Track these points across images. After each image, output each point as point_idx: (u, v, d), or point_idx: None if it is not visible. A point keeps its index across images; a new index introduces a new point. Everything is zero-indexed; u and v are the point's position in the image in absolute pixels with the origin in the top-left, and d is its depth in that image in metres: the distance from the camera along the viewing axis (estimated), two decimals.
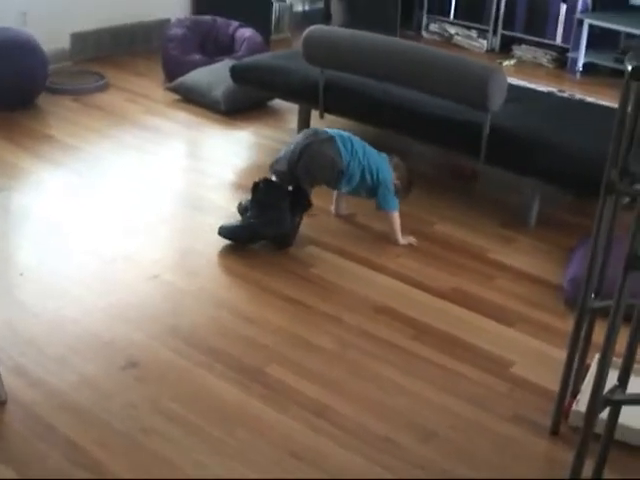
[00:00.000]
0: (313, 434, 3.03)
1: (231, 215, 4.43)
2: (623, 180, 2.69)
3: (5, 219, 4.48)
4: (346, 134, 4.42)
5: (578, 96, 7.04)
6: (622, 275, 2.54)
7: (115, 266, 4.04)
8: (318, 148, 4.27)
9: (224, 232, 4.26)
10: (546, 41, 8.30)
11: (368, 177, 4.38)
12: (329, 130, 4.41)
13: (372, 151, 4.44)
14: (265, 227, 4.22)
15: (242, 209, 4.36)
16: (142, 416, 3.05)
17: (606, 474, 2.77)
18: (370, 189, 4.43)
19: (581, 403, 3.09)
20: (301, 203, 4.31)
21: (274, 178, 4.31)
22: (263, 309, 3.79)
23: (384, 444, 3.01)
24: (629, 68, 2.54)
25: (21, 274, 3.92)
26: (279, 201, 4.23)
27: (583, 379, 3.27)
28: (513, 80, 6.37)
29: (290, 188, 4.30)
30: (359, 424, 3.09)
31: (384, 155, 4.49)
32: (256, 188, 4.27)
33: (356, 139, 4.42)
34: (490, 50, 8.64)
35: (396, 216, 4.43)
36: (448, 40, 8.89)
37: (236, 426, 3.03)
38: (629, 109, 2.64)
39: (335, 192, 4.62)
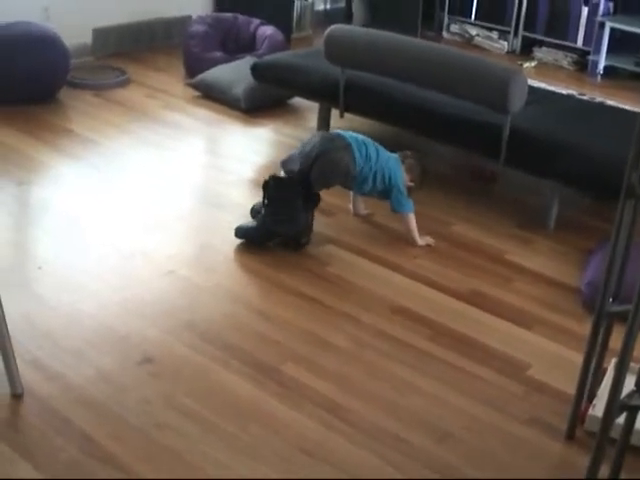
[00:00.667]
0: (326, 432, 3.02)
1: (248, 212, 4.42)
2: None
3: (24, 212, 4.49)
4: (360, 137, 4.40)
5: (598, 99, 7.02)
6: None
7: (132, 261, 4.05)
8: (335, 156, 4.25)
9: (240, 233, 4.26)
10: (567, 43, 8.27)
11: (380, 181, 4.37)
12: (345, 134, 4.38)
13: (385, 155, 4.42)
14: (278, 225, 4.21)
15: (255, 213, 4.35)
16: (156, 411, 3.05)
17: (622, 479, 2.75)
18: (383, 192, 4.42)
19: (597, 408, 3.08)
20: (312, 200, 4.30)
21: (283, 175, 4.30)
22: (279, 306, 3.79)
23: (398, 443, 3.00)
24: None
25: (39, 267, 3.93)
26: (291, 198, 4.22)
27: (600, 383, 3.25)
28: (533, 82, 6.37)
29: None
30: (373, 423, 3.09)
31: (395, 156, 4.48)
32: (266, 186, 4.25)
33: (370, 142, 4.40)
34: (511, 52, 8.61)
35: (412, 217, 4.43)
36: (469, 41, 8.87)
37: (250, 422, 3.04)
38: None
39: (352, 192, 4.61)
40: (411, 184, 4.46)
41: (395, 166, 4.42)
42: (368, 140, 4.41)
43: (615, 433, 2.79)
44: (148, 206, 4.61)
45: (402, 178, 4.42)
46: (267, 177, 4.27)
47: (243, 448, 2.92)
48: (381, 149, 4.43)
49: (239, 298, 3.83)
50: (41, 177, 4.84)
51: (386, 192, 4.42)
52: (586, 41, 8.11)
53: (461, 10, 8.93)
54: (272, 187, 4.23)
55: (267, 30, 6.99)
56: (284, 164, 4.30)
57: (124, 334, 3.48)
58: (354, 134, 4.42)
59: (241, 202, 4.68)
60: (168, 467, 2.81)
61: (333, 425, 3.06)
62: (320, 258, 4.22)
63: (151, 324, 3.57)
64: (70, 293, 3.74)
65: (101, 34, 7.01)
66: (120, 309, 3.66)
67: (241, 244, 4.24)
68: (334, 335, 3.61)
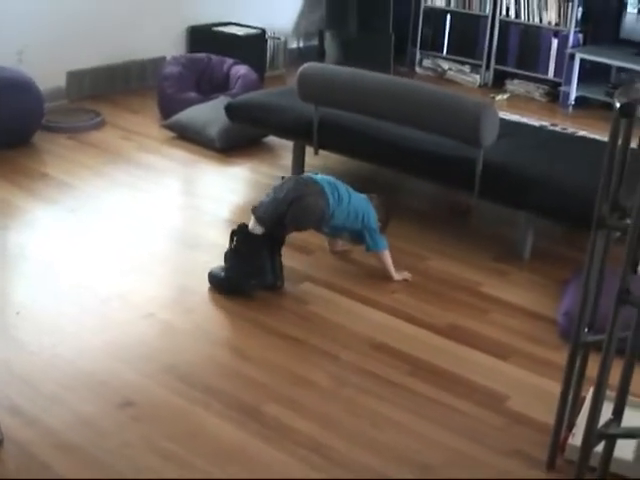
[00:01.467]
0: (308, 470, 3.02)
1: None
2: (613, 215, 2.72)
3: (1, 257, 4.49)
4: (332, 180, 4.41)
5: (570, 129, 7.09)
6: (614, 309, 2.56)
7: (110, 304, 4.05)
8: (309, 201, 4.24)
9: (211, 281, 4.26)
10: (538, 75, 8.36)
11: (352, 221, 4.38)
12: (317, 178, 4.39)
13: (356, 196, 4.44)
14: (247, 279, 4.20)
15: (227, 259, 4.33)
16: (138, 455, 3.04)
17: None
18: (355, 233, 4.44)
19: (577, 437, 3.09)
20: (277, 242, 4.30)
21: (251, 224, 4.24)
22: (259, 346, 3.79)
23: None
24: (617, 105, 2.57)
25: (17, 313, 3.92)
26: (258, 250, 4.20)
27: (579, 412, 3.27)
28: (506, 115, 6.45)
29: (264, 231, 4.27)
30: (355, 460, 3.09)
31: (364, 196, 4.50)
32: (234, 236, 4.25)
33: (340, 184, 4.41)
34: (483, 85, 8.69)
35: (387, 254, 4.45)
36: (441, 75, 8.94)
37: (231, 464, 3.03)
38: (619, 144, 2.67)
39: None
40: (379, 223, 4.48)
41: (367, 206, 4.44)
42: (338, 182, 4.42)
43: (595, 461, 2.81)
44: (124, 248, 4.62)
45: (374, 217, 4.44)
46: (235, 227, 4.27)
47: None
48: (351, 190, 4.45)
49: (218, 339, 3.84)
50: (17, 221, 4.84)
51: (359, 233, 4.43)
52: (557, 72, 8.20)
53: (433, 45, 9.01)
54: (239, 240, 4.23)
55: (240, 69, 7.03)
56: (256, 211, 4.28)
57: (104, 378, 3.48)
58: (325, 177, 4.43)
59: (218, 242, 4.68)
60: None
61: (315, 464, 3.06)
62: (298, 296, 4.23)
63: (131, 367, 3.57)
64: (49, 337, 3.73)
65: (75, 77, 7.03)
66: (99, 353, 3.65)
67: None
68: (314, 373, 3.61)
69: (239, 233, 4.24)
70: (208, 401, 3.37)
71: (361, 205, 4.42)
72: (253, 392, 3.45)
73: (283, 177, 4.47)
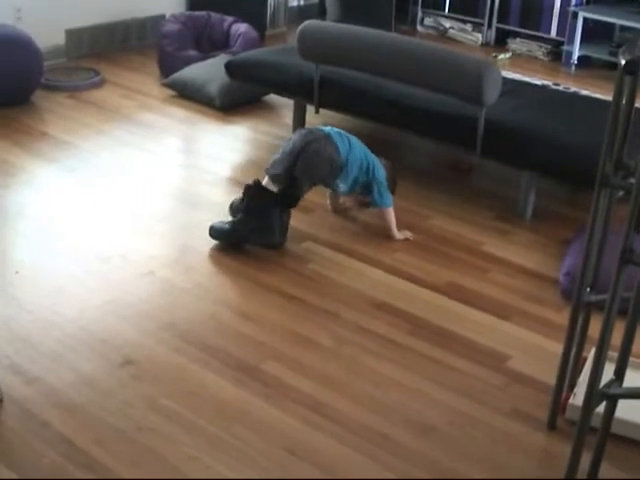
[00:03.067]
0: (310, 430, 3.03)
1: (226, 211, 4.41)
2: (617, 174, 2.69)
3: (0, 217, 4.47)
4: (340, 130, 4.40)
5: (573, 89, 7.04)
6: (617, 269, 2.54)
7: (110, 263, 4.04)
8: (316, 147, 4.23)
9: (213, 233, 4.25)
10: (541, 34, 8.29)
11: (364, 172, 4.37)
12: (324, 127, 4.39)
13: (365, 147, 4.43)
14: (252, 235, 4.19)
15: (234, 210, 4.33)
16: (139, 414, 3.04)
17: (603, 468, 2.77)
18: (365, 185, 4.42)
19: (578, 397, 3.09)
20: (290, 202, 4.28)
21: (265, 182, 4.25)
22: (259, 305, 3.79)
23: (381, 440, 3.01)
24: (622, 62, 2.54)
25: (17, 272, 3.91)
26: (269, 208, 4.18)
27: (580, 372, 3.27)
28: (508, 74, 6.39)
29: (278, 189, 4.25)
30: (356, 420, 3.09)
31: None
32: (248, 191, 4.25)
33: (349, 135, 4.41)
34: (485, 44, 8.62)
35: (391, 211, 4.43)
36: (443, 34, 8.88)
37: (233, 423, 3.03)
38: (623, 102, 2.64)
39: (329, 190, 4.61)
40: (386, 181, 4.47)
41: (375, 159, 4.43)
42: (347, 133, 4.41)
43: (596, 422, 2.81)
44: (124, 207, 4.60)
45: (383, 172, 4.43)
46: (251, 182, 4.25)
47: (226, 449, 2.91)
48: (361, 142, 4.43)
49: (219, 298, 3.83)
50: (16, 180, 4.81)
51: (368, 185, 4.42)
52: (560, 31, 8.13)
53: (435, 3, 8.94)
54: (253, 196, 4.21)
55: (241, 27, 6.97)
56: (268, 170, 4.26)
57: (104, 337, 3.47)
58: (334, 128, 4.42)
59: (219, 201, 4.67)
60: (151, 469, 2.81)
61: (316, 423, 3.06)
62: (299, 255, 4.22)
63: (131, 326, 3.56)
64: (48, 297, 3.73)
65: (74, 35, 6.98)
66: (99, 312, 3.65)
67: (220, 244, 4.23)
68: (315, 332, 3.61)
69: (253, 188, 4.22)
70: (208, 360, 3.37)
71: (371, 157, 4.40)
72: (253, 351, 3.45)
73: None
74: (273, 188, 4.20)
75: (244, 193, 4.24)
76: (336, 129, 4.41)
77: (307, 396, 3.20)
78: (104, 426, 2.98)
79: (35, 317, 3.57)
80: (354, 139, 4.40)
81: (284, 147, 4.30)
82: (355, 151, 4.34)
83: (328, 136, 4.29)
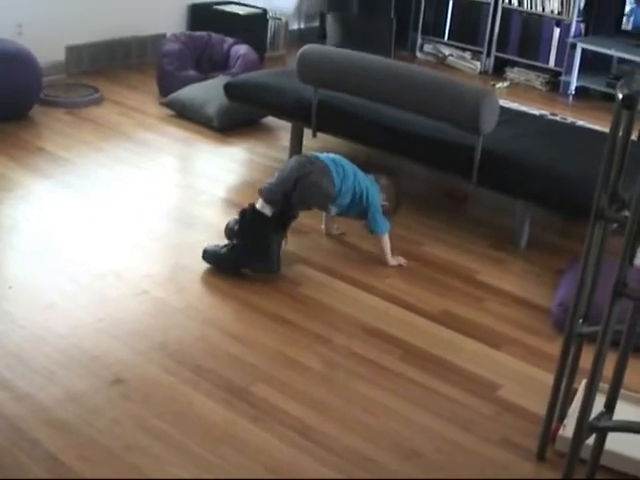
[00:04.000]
0: (296, 453, 3.01)
1: (221, 232, 4.41)
2: (612, 206, 2.70)
3: None
4: (337, 157, 4.41)
5: (570, 119, 7.07)
6: (610, 301, 2.55)
7: (104, 281, 4.03)
8: (315, 179, 4.22)
9: (207, 257, 4.23)
10: (539, 64, 8.34)
11: (357, 200, 4.37)
12: (321, 156, 4.38)
13: (361, 174, 4.43)
14: (249, 260, 4.18)
15: (229, 232, 4.31)
16: (127, 433, 3.03)
17: None
18: (360, 211, 4.43)
19: (568, 428, 3.08)
20: (285, 224, 4.29)
21: (259, 205, 4.22)
22: (251, 328, 3.78)
23: (368, 464, 3.00)
24: (620, 96, 2.55)
25: (10, 287, 3.90)
26: (265, 233, 4.18)
27: (570, 403, 3.27)
28: (506, 103, 6.41)
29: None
30: (344, 445, 3.08)
31: (371, 176, 4.49)
32: (243, 215, 4.24)
33: (346, 162, 4.41)
34: (483, 72, 8.67)
35: (386, 238, 4.43)
36: (442, 61, 8.92)
37: (220, 444, 3.02)
38: (619, 136, 2.65)
39: (324, 213, 4.61)
40: (385, 203, 4.46)
41: (372, 186, 4.43)
42: (343, 160, 4.42)
43: (585, 453, 2.80)
44: (120, 225, 4.60)
45: (378, 197, 4.43)
46: (247, 206, 4.24)
47: (212, 470, 2.90)
48: (357, 169, 4.43)
49: (211, 319, 3.82)
50: (12, 195, 4.81)
51: (363, 212, 4.42)
52: (558, 62, 8.18)
53: (434, 30, 8.98)
54: (248, 220, 4.20)
55: (241, 49, 7.00)
56: (263, 193, 4.25)
57: (95, 354, 3.47)
58: (329, 155, 4.42)
59: (214, 222, 4.68)
60: None
61: (303, 446, 3.05)
62: (292, 278, 4.21)
63: (123, 345, 3.55)
64: (41, 312, 3.72)
65: (74, 52, 7.00)
66: (91, 329, 3.64)
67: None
68: (306, 356, 3.60)
69: (248, 212, 4.22)
70: (198, 380, 3.36)
71: (366, 184, 4.40)
72: (244, 373, 3.44)
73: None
74: (267, 212, 4.20)
75: (240, 217, 4.24)
76: (332, 156, 4.40)
77: (295, 419, 3.19)
78: (92, 444, 2.97)
79: (27, 332, 3.56)
80: (348, 166, 4.39)
81: (281, 172, 4.29)
82: (348, 180, 4.33)
83: (326, 167, 4.29)
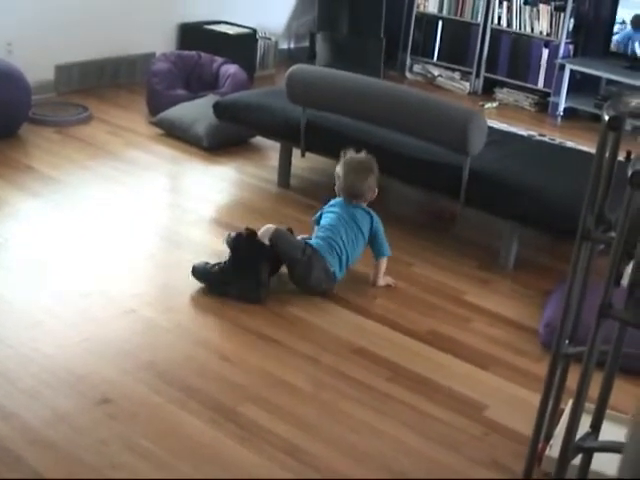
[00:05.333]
0: (285, 474, 3.01)
1: (209, 252, 4.44)
2: (598, 227, 2.71)
3: None
4: (329, 235, 4.34)
5: (558, 140, 7.10)
6: (595, 323, 2.56)
7: (91, 300, 4.02)
8: (315, 276, 4.25)
9: (197, 274, 4.22)
10: (528, 85, 8.37)
11: (362, 244, 4.42)
12: (319, 248, 4.30)
13: (359, 217, 4.41)
14: (236, 284, 4.15)
15: (231, 242, 4.25)
16: (113, 452, 3.03)
17: None
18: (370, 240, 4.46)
19: (554, 448, 3.09)
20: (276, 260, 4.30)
21: (261, 232, 4.23)
22: (239, 347, 3.78)
23: None
24: (606, 118, 2.57)
25: None
26: (258, 260, 4.17)
27: (557, 424, 3.27)
28: (494, 123, 6.44)
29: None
30: (331, 466, 3.08)
31: (361, 211, 4.45)
32: (241, 237, 4.21)
33: (339, 227, 4.36)
34: (473, 92, 8.70)
35: (385, 260, 4.45)
36: (431, 81, 8.94)
37: (207, 464, 3.02)
38: (606, 157, 2.66)
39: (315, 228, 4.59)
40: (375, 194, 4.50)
41: (370, 219, 4.43)
42: (337, 226, 4.36)
43: (571, 474, 2.81)
44: (107, 244, 4.60)
45: (377, 222, 4.44)
46: (244, 231, 4.23)
47: None
48: (352, 216, 4.40)
49: (199, 338, 3.82)
50: (0, 214, 4.80)
51: (370, 242, 4.46)
52: (547, 83, 8.21)
53: (424, 51, 9.01)
54: (245, 243, 4.19)
55: (230, 68, 7.01)
56: (273, 234, 4.24)
57: (82, 374, 3.46)
58: (326, 236, 4.36)
59: (202, 241, 4.68)
60: None
61: (291, 467, 3.05)
62: (280, 298, 4.21)
63: (109, 364, 3.55)
64: (27, 331, 3.71)
65: (64, 70, 7.00)
66: (78, 349, 3.63)
67: (201, 284, 4.23)
68: (294, 376, 3.60)
69: (246, 237, 4.20)
70: (186, 400, 3.35)
71: (365, 224, 4.40)
72: (231, 393, 3.44)
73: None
74: (267, 241, 4.21)
75: (236, 238, 4.22)
76: (328, 237, 4.35)
77: (283, 440, 3.19)
78: (78, 463, 2.96)
79: (14, 352, 3.55)
80: (342, 230, 4.36)
81: (292, 243, 4.30)
82: (346, 249, 4.34)
83: (325, 266, 4.27)
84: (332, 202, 4.52)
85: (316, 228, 4.46)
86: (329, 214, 4.45)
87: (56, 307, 3.94)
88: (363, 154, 4.55)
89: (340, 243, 4.32)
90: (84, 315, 3.90)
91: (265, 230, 4.25)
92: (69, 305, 3.97)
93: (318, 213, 4.54)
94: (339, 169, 4.51)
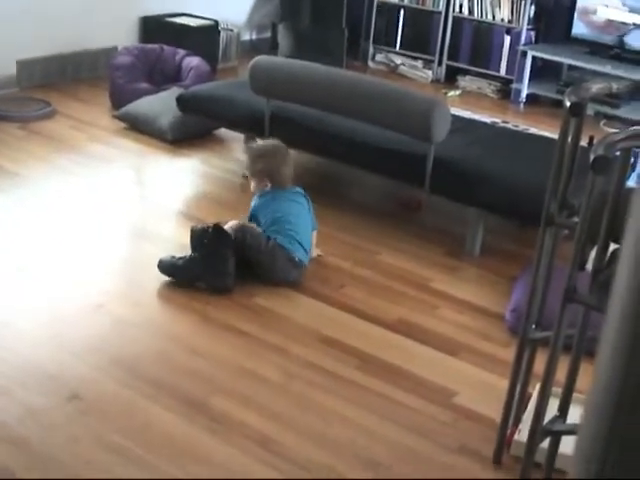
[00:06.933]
0: (257, 465, 3.03)
1: (176, 245, 4.43)
2: (562, 212, 2.74)
3: None
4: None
5: (521, 127, 7.14)
6: (561, 307, 2.59)
7: (59, 296, 4.01)
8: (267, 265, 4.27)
9: (164, 269, 4.22)
10: (490, 72, 8.40)
11: (309, 222, 4.48)
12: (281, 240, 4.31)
13: (296, 203, 4.47)
14: (204, 274, 4.16)
15: (194, 240, 4.27)
16: (86, 449, 3.03)
17: None
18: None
19: (523, 433, 3.12)
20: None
21: (227, 226, 4.24)
22: (208, 340, 3.79)
23: (328, 474, 3.02)
24: (567, 104, 2.60)
25: None
26: (225, 251, 4.17)
27: (525, 408, 3.30)
28: (458, 111, 6.47)
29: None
30: (303, 455, 3.10)
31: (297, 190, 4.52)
32: (204, 234, 4.21)
33: (287, 212, 4.39)
34: (435, 80, 8.72)
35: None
36: (394, 70, 8.96)
37: (180, 458, 3.03)
38: (568, 142, 2.69)
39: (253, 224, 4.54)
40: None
41: (304, 199, 4.51)
42: (287, 214, 4.38)
43: (540, 457, 2.84)
44: (74, 240, 4.58)
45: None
46: (210, 225, 4.22)
47: None
48: (295, 205, 4.46)
49: (168, 332, 3.82)
50: None
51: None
52: (509, 70, 8.24)
53: (386, 40, 9.02)
54: (211, 238, 4.18)
55: (193, 61, 7.00)
56: (240, 229, 4.26)
57: (52, 371, 3.45)
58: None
59: (168, 235, 4.68)
60: None
61: (264, 459, 3.06)
62: (247, 289, 4.21)
63: (79, 360, 3.54)
64: None
65: (26, 65, 6.96)
66: (47, 346, 3.62)
67: (169, 278, 4.22)
68: (263, 367, 3.61)
69: (213, 229, 4.20)
70: (156, 394, 3.36)
71: (304, 203, 4.50)
72: (201, 386, 3.44)
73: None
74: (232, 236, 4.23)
75: (203, 231, 4.22)
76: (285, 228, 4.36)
77: (255, 431, 3.20)
78: (50, 461, 2.96)
79: None
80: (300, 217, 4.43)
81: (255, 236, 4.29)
82: (302, 233, 4.37)
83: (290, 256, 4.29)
84: (263, 196, 4.45)
85: (254, 224, 4.39)
86: (270, 206, 4.41)
87: (24, 305, 3.92)
88: (271, 139, 4.64)
89: (295, 229, 4.34)
90: (52, 312, 3.88)
91: (229, 227, 4.26)
92: (36, 302, 3.95)
93: (250, 213, 4.47)
94: (260, 159, 4.49)
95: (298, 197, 4.49)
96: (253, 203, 4.47)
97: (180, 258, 4.21)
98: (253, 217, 4.44)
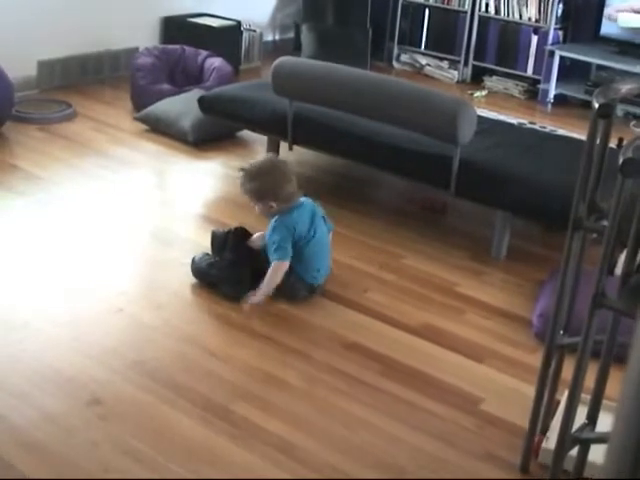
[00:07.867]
0: (279, 472, 2.97)
1: (197, 248, 4.37)
2: (591, 216, 2.67)
3: None
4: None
5: (549, 128, 7.06)
6: (589, 312, 2.52)
7: (79, 298, 3.98)
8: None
9: (194, 271, 4.19)
10: (517, 72, 8.32)
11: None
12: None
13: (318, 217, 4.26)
14: (221, 281, 4.11)
15: (216, 245, 4.23)
16: (105, 454, 2.98)
17: None
18: None
19: (550, 440, 3.05)
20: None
21: (255, 237, 4.22)
22: (229, 344, 3.74)
23: None
24: (596, 105, 2.53)
25: None
26: (246, 261, 4.13)
27: (553, 415, 3.23)
28: (484, 112, 6.40)
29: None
30: (325, 462, 3.04)
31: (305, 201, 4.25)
32: (226, 237, 4.17)
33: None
34: (461, 81, 8.65)
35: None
36: (419, 71, 8.89)
37: (200, 464, 2.98)
38: (597, 144, 2.62)
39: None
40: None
41: (310, 206, 4.27)
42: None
43: (569, 465, 2.77)
44: (95, 242, 4.54)
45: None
46: (233, 229, 4.20)
47: None
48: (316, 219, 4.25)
49: (188, 336, 3.77)
50: None
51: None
52: (536, 70, 8.16)
53: (411, 40, 8.96)
54: (231, 246, 4.14)
55: (215, 62, 6.96)
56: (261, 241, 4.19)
57: (71, 374, 3.41)
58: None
59: (189, 237, 4.63)
60: None
61: (285, 465, 3.01)
62: (270, 294, 4.16)
63: (98, 363, 3.50)
64: (15, 332, 3.66)
65: (46, 66, 6.94)
66: (67, 348, 3.58)
67: (189, 280, 4.17)
68: (285, 372, 3.56)
69: (234, 236, 4.16)
70: (176, 399, 3.31)
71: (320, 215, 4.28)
72: (222, 390, 3.39)
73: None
74: (258, 245, 4.18)
75: (226, 236, 4.18)
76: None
77: (276, 437, 3.15)
78: (68, 466, 2.92)
79: (1, 353, 3.50)
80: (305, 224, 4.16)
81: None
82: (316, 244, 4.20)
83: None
84: (276, 221, 4.12)
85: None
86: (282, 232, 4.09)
87: (43, 307, 3.89)
88: (267, 155, 4.58)
89: (315, 256, 4.20)
90: (72, 314, 3.85)
91: (257, 237, 4.23)
92: (56, 304, 3.92)
93: (289, 243, 4.09)
94: (256, 178, 4.14)
95: (307, 212, 4.17)
96: (269, 235, 4.11)
97: (205, 260, 4.17)
98: (280, 247, 4.06)
